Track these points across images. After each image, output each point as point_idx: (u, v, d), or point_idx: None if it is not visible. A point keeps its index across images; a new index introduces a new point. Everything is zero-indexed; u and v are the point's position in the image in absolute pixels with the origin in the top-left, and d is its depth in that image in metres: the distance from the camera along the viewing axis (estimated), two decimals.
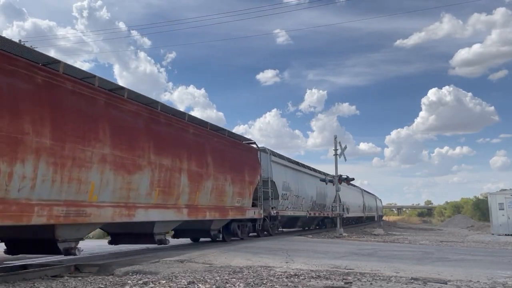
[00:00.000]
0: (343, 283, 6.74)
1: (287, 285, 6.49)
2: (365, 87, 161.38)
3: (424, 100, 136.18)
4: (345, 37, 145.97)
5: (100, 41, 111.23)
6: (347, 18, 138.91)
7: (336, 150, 25.76)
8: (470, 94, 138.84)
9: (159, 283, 6.59)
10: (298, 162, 24.49)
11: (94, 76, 9.12)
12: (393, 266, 9.07)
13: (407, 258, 11.21)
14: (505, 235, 27.86)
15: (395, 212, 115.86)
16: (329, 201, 29.25)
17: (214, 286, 6.35)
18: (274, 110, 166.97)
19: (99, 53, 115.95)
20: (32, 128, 7.19)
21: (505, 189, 32.45)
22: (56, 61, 8.36)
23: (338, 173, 25.36)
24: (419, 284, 6.71)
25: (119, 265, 8.26)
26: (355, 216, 40.98)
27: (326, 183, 25.81)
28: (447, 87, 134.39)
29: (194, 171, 12.06)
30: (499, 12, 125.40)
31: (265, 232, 19.28)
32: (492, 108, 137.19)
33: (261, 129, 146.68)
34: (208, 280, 6.79)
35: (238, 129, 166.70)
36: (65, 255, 8.66)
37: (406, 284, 6.73)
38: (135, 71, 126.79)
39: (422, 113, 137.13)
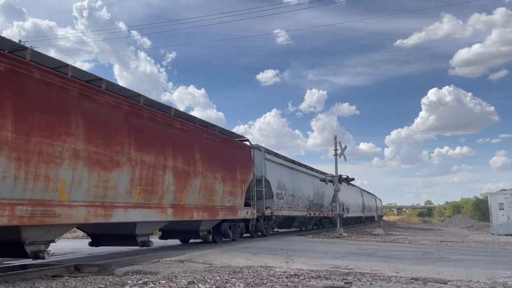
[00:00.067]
0: (343, 283, 6.66)
1: (287, 285, 6.43)
2: (365, 87, 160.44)
3: (424, 100, 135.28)
4: (345, 37, 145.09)
5: (100, 41, 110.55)
6: (347, 18, 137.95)
7: (336, 150, 25.51)
8: (470, 94, 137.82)
9: (159, 283, 6.52)
10: (294, 161, 23.55)
11: (67, 66, 8.35)
12: (393, 266, 8.95)
13: (407, 258, 11.04)
14: (505, 235, 27.47)
15: (395, 212, 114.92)
16: (326, 200, 28.38)
17: (214, 286, 6.29)
18: (274, 110, 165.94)
19: (99, 53, 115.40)
20: None
21: (505, 189, 32.00)
22: (22, 48, 7.63)
23: (338, 173, 25.07)
24: (419, 284, 6.63)
25: (119, 265, 8.14)
26: (354, 216, 40.02)
27: (326, 183, 25.46)
28: (447, 87, 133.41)
29: (181, 168, 11.26)
30: (499, 12, 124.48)
31: (259, 233, 18.41)
32: (492, 108, 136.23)
33: (261, 129, 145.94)
34: (208, 280, 6.72)
35: (238, 129, 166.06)
36: (33, 258, 7.88)
37: (406, 284, 6.65)
38: (135, 71, 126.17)
39: (422, 113, 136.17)
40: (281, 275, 7.38)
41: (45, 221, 7.38)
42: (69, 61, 9.08)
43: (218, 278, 6.97)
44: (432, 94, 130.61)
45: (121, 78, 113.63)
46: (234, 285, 6.37)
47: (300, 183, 23.39)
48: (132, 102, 9.95)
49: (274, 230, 21.04)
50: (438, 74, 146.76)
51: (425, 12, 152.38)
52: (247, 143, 16.57)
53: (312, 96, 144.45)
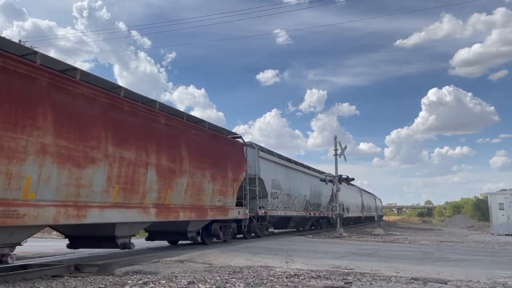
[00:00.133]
0: (343, 283, 6.61)
1: (287, 285, 6.37)
2: (365, 87, 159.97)
3: (424, 100, 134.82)
4: (345, 37, 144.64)
5: (100, 41, 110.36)
6: (347, 18, 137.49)
7: (336, 150, 25.26)
8: (470, 94, 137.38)
9: (159, 283, 6.46)
10: (290, 159, 22.59)
11: (36, 53, 7.60)
12: (393, 266, 8.88)
13: (407, 258, 10.95)
14: (505, 235, 27.24)
15: (395, 212, 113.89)
16: (324, 200, 27.48)
17: (214, 286, 6.22)
18: (274, 110, 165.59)
19: (99, 53, 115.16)
20: None
21: (505, 189, 31.61)
22: None
23: (338, 173, 24.79)
24: (419, 284, 6.58)
25: (119, 265, 8.03)
26: (353, 216, 39.07)
27: (326, 183, 25.30)
28: (447, 87, 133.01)
29: (165, 166, 10.46)
30: (499, 12, 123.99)
31: (252, 234, 17.51)
32: (492, 108, 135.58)
33: (261, 129, 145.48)
34: (208, 280, 6.66)
35: (238, 129, 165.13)
36: None
37: (406, 284, 6.59)
38: (135, 71, 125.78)
39: (422, 113, 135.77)
40: (281, 275, 7.29)
41: (7, 222, 6.59)
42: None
43: (218, 278, 6.89)
44: (432, 94, 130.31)
45: (121, 78, 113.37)
46: (234, 285, 6.29)
47: (296, 182, 22.48)
48: (111, 94, 9.17)
49: (269, 230, 20.01)
50: (438, 74, 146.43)
51: (425, 12, 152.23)
52: (240, 140, 15.69)
53: (312, 96, 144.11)
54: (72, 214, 7.78)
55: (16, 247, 7.58)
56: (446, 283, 6.71)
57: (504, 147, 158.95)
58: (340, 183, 24.98)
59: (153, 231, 12.62)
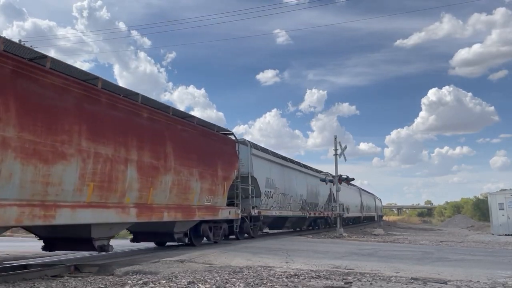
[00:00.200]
0: (343, 283, 6.55)
1: (287, 285, 6.31)
2: (365, 87, 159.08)
3: (424, 100, 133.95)
4: (345, 37, 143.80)
5: (100, 41, 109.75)
6: (347, 18, 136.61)
7: (336, 150, 25.04)
8: (470, 94, 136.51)
9: (159, 283, 6.38)
10: (285, 157, 21.63)
11: None
12: (393, 266, 8.81)
13: (407, 258, 10.87)
14: (505, 235, 27.00)
15: (395, 212, 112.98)
16: (321, 200, 26.62)
17: (214, 286, 6.16)
18: (274, 110, 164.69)
19: (99, 53, 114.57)
20: None
21: (505, 189, 31.35)
22: None
23: (338, 173, 24.49)
24: (419, 284, 6.52)
25: (119, 265, 7.92)
26: (352, 216, 38.19)
27: (326, 183, 25.10)
28: (447, 87, 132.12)
29: (147, 163, 9.69)
30: (499, 12, 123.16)
31: (245, 235, 16.64)
32: (492, 108, 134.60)
33: (261, 129, 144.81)
34: (208, 280, 6.59)
35: (238, 129, 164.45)
36: None
37: (406, 284, 6.53)
38: (135, 71, 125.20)
39: (422, 113, 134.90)
40: (281, 275, 7.22)
41: None
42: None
43: (218, 278, 6.82)
44: (432, 94, 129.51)
45: (121, 78, 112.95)
46: (234, 285, 6.22)
47: (292, 181, 21.58)
48: (87, 85, 8.39)
49: (264, 231, 19.05)
50: (438, 74, 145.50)
51: (425, 12, 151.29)
52: (232, 137, 14.86)
53: (312, 96, 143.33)
54: (38, 215, 7.01)
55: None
56: (446, 283, 6.62)
57: (504, 147, 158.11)
58: (340, 183, 24.72)
59: (138, 232, 11.84)
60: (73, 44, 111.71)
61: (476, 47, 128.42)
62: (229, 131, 14.68)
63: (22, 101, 6.88)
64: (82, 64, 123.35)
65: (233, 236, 15.80)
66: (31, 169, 6.91)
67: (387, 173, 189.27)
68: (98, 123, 8.43)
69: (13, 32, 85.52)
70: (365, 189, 51.03)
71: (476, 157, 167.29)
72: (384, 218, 72.24)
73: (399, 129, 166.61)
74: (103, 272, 7.61)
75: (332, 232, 24.22)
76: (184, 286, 6.13)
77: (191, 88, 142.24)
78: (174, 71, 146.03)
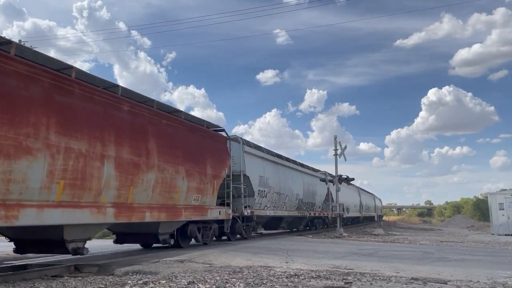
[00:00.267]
0: (343, 283, 6.50)
1: (287, 285, 6.25)
2: (365, 87, 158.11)
3: (424, 100, 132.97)
4: (345, 37, 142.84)
5: (100, 41, 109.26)
6: (347, 18, 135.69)
7: (336, 150, 24.82)
8: (470, 94, 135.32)
9: (159, 283, 6.32)
10: (280, 155, 20.74)
11: None
12: (393, 266, 8.73)
13: (407, 258, 10.78)
14: (505, 235, 26.69)
15: (395, 212, 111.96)
16: (319, 199, 25.75)
17: (214, 286, 6.10)
18: (274, 110, 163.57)
19: (99, 53, 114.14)
20: None
21: (505, 189, 30.94)
22: None
23: (338, 173, 24.23)
24: (419, 284, 6.46)
25: (119, 265, 7.83)
26: (351, 216, 37.35)
27: (326, 183, 24.77)
28: (447, 87, 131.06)
29: (127, 159, 8.98)
30: (499, 12, 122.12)
31: (238, 236, 15.79)
32: (492, 108, 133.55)
33: (261, 129, 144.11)
34: (208, 280, 6.52)
35: (238, 129, 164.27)
36: None
37: (406, 284, 6.48)
38: (135, 71, 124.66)
39: (422, 113, 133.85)
40: (281, 275, 7.15)
41: None
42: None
43: (218, 278, 6.75)
44: (432, 94, 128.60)
45: (121, 78, 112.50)
46: (234, 285, 6.16)
47: (288, 180, 20.69)
48: (58, 74, 7.70)
49: (258, 232, 18.11)
50: (438, 74, 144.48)
51: (425, 12, 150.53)
52: (223, 133, 14.09)
53: (312, 96, 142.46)
54: None
55: None
56: (446, 283, 6.56)
57: (504, 147, 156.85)
58: (340, 183, 24.40)
59: (121, 233, 11.12)
60: (73, 44, 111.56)
61: (476, 47, 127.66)
62: (220, 127, 13.92)
63: None
64: (82, 64, 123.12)
65: (225, 237, 15.04)
66: None
67: (387, 173, 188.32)
68: (71, 116, 7.75)
69: (13, 32, 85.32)
70: (365, 189, 50.29)
71: (476, 157, 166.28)
72: (384, 218, 71.39)
73: (399, 129, 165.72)
74: (103, 272, 7.52)
75: (332, 232, 23.80)
76: (184, 286, 6.07)
77: (191, 88, 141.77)
78: (174, 71, 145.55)
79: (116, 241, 11.43)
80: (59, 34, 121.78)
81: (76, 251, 8.23)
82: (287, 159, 21.73)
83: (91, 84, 8.60)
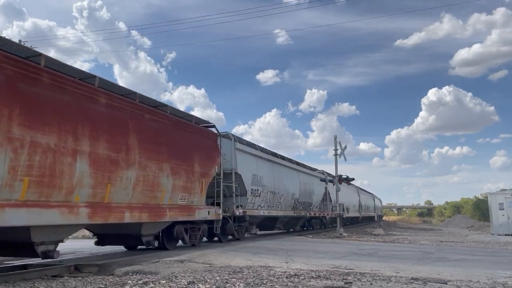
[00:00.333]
0: (343, 283, 6.47)
1: (287, 285, 6.21)
2: (365, 87, 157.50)
3: (424, 100, 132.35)
4: (345, 37, 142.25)
5: (100, 41, 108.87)
6: (347, 18, 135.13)
7: (336, 150, 24.58)
8: (470, 94, 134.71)
9: (159, 283, 6.27)
10: (275, 153, 19.85)
11: None
12: (393, 266, 8.68)
13: (407, 258, 10.72)
14: (505, 235, 26.46)
15: (395, 212, 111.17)
16: (316, 199, 24.91)
17: (214, 286, 6.05)
18: (274, 110, 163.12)
19: (99, 53, 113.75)
20: None
21: (505, 189, 30.60)
22: None
23: (338, 173, 23.95)
24: (419, 284, 6.43)
25: (119, 265, 7.76)
26: (350, 216, 36.52)
27: (326, 183, 24.42)
28: (447, 87, 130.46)
29: (104, 155, 8.27)
30: (499, 12, 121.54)
31: (229, 237, 15.00)
32: (492, 108, 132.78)
33: (261, 129, 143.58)
34: (208, 280, 6.48)
35: (238, 129, 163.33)
36: None
37: (406, 284, 6.44)
38: (135, 71, 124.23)
39: (422, 113, 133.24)
40: (281, 275, 7.10)
41: None
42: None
43: (218, 278, 6.70)
44: (432, 94, 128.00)
45: (121, 78, 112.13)
46: (234, 285, 6.12)
47: (283, 179, 19.82)
48: (23, 62, 7.02)
49: (252, 232, 17.22)
50: (438, 74, 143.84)
51: (425, 12, 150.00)
52: (213, 129, 13.31)
53: (312, 96, 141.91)
54: None
55: None
56: (446, 283, 6.52)
57: (504, 147, 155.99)
58: (340, 183, 24.05)
59: (102, 234, 10.42)
60: (73, 44, 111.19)
61: (476, 47, 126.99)
62: (210, 123, 13.17)
63: None
64: (82, 64, 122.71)
65: (216, 239, 14.30)
66: None
67: (387, 173, 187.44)
68: (38, 107, 7.05)
69: (13, 32, 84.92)
70: (364, 189, 49.50)
71: (476, 157, 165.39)
72: (384, 218, 70.68)
73: (399, 129, 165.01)
74: (103, 272, 7.43)
75: (332, 232, 23.46)
76: (184, 286, 6.01)
77: (191, 88, 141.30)
78: (174, 71, 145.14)
79: (97, 243, 10.68)
80: (59, 34, 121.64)
81: (46, 255, 7.49)
82: (283, 157, 20.88)
83: (64, 74, 7.90)
